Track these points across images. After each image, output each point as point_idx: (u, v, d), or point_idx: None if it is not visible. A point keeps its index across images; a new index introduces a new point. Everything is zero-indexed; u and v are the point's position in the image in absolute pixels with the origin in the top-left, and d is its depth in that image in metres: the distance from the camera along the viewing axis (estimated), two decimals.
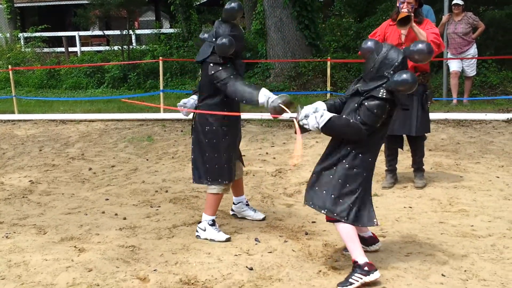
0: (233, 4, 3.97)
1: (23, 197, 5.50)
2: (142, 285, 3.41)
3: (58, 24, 22.03)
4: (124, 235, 4.28)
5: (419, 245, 3.92)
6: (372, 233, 3.79)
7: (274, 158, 6.71)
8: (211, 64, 3.94)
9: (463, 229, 4.21)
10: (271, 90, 3.86)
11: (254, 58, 13.03)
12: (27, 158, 7.26)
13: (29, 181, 6.09)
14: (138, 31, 19.57)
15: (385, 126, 3.41)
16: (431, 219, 4.46)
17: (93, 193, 5.56)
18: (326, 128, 3.29)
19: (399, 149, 5.45)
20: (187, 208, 4.96)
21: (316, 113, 3.34)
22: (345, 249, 3.76)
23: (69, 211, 4.99)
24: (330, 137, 3.51)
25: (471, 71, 9.50)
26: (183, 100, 4.26)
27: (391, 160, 5.45)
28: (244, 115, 4.13)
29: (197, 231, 4.20)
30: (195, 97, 4.26)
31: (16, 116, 10.57)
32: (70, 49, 18.70)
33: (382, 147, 3.69)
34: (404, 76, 3.18)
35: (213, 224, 4.15)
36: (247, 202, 4.63)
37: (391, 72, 3.28)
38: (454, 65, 9.41)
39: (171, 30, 17.30)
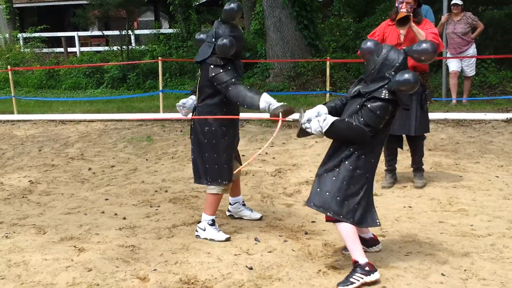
0: (232, 5, 3.97)
1: (23, 197, 5.50)
2: (142, 284, 3.41)
3: (57, 25, 22.02)
4: (124, 235, 4.28)
5: (419, 244, 3.92)
6: (373, 234, 3.80)
7: (274, 158, 6.71)
8: (212, 66, 3.94)
9: (462, 228, 4.22)
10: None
11: (253, 58, 13.03)
12: (26, 158, 7.26)
13: (29, 181, 6.09)
14: (137, 31, 19.55)
15: (388, 127, 3.41)
16: (430, 219, 4.47)
17: (93, 193, 5.57)
18: (329, 132, 3.30)
19: (399, 149, 5.45)
20: (187, 208, 4.96)
21: (319, 117, 3.34)
22: (344, 248, 3.77)
23: (69, 211, 4.99)
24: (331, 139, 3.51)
25: (471, 71, 9.51)
26: (182, 101, 4.26)
27: (391, 160, 5.46)
28: (244, 115, 4.14)
29: (196, 231, 4.20)
30: (193, 97, 4.26)
31: (16, 117, 10.57)
32: (69, 49, 18.69)
33: None
34: (406, 76, 3.19)
35: (212, 224, 4.15)
36: (243, 202, 4.63)
37: (392, 72, 3.29)
38: (454, 65, 9.41)
39: (170, 30, 17.29)
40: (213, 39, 3.99)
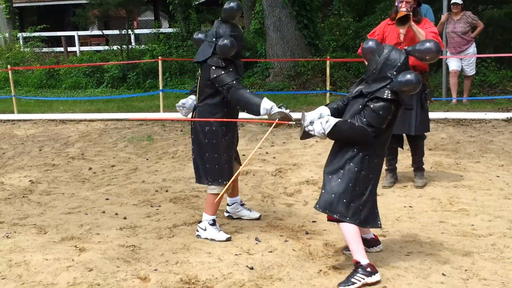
0: (232, 4, 3.96)
1: (23, 197, 5.50)
2: (142, 284, 3.41)
3: (57, 24, 22.01)
4: (125, 234, 4.28)
5: (420, 244, 3.92)
6: (374, 235, 3.80)
7: (274, 157, 6.71)
8: (213, 67, 3.94)
9: (463, 228, 4.22)
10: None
11: (253, 58, 13.03)
12: (27, 158, 7.26)
13: (29, 181, 6.09)
14: (137, 31, 19.54)
15: (390, 127, 3.40)
16: (431, 219, 4.47)
17: (93, 192, 5.57)
18: (332, 133, 3.29)
19: (399, 149, 5.45)
20: (188, 207, 4.96)
21: (321, 119, 3.34)
22: (345, 248, 3.77)
23: (70, 210, 4.99)
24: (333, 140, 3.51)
25: (471, 70, 9.51)
26: (182, 101, 4.26)
27: (391, 159, 5.46)
28: (244, 116, 4.17)
29: (197, 231, 4.20)
30: (193, 97, 4.26)
31: (16, 116, 10.57)
32: (69, 49, 18.69)
33: None
34: (408, 76, 3.18)
35: (213, 223, 4.15)
36: (241, 202, 4.63)
37: (394, 72, 3.28)
38: (454, 64, 9.41)
39: (170, 30, 17.29)
40: (214, 39, 3.99)
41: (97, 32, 20.86)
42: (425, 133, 5.38)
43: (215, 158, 4.06)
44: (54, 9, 23.49)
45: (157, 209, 4.94)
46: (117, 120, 9.73)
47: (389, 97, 3.25)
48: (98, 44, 20.49)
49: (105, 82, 14.31)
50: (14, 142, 8.37)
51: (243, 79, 11.90)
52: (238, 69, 4.02)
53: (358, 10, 16.42)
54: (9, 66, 12.44)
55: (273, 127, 3.80)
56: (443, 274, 3.41)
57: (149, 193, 5.46)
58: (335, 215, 3.35)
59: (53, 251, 3.94)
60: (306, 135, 3.45)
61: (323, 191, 3.42)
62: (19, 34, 19.39)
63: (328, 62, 10.18)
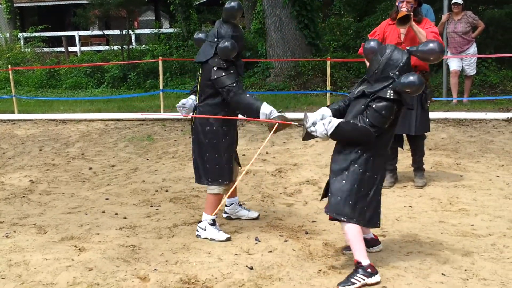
0: (232, 4, 3.96)
1: (23, 196, 5.50)
2: (142, 284, 3.41)
3: (58, 24, 22.03)
4: (124, 234, 4.28)
5: (419, 244, 3.92)
6: (374, 235, 3.80)
7: (274, 157, 6.71)
8: (215, 69, 3.94)
9: (463, 228, 4.21)
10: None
11: (254, 58, 13.03)
12: (27, 158, 7.26)
13: (29, 180, 6.09)
14: (137, 31, 19.56)
15: (393, 127, 3.40)
16: (431, 218, 4.47)
17: (93, 192, 5.57)
18: (335, 134, 3.29)
19: (399, 149, 5.45)
20: (187, 207, 4.96)
21: (324, 120, 3.34)
22: (345, 248, 3.77)
23: (69, 210, 4.99)
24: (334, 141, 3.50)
25: (471, 70, 9.50)
26: (182, 101, 4.26)
27: (391, 159, 5.45)
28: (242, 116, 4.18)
29: (197, 231, 4.20)
30: (193, 97, 4.25)
31: (16, 116, 10.57)
32: (70, 49, 18.69)
33: None
34: (411, 78, 3.17)
35: (213, 223, 4.15)
36: (239, 202, 4.63)
37: (397, 72, 3.28)
38: (454, 64, 9.40)
39: (171, 30, 17.29)
40: (215, 39, 3.99)
41: (97, 32, 20.88)
42: (425, 133, 5.38)
43: (216, 158, 4.06)
44: (55, 9, 23.52)
45: (157, 209, 4.94)
46: (117, 120, 9.73)
47: (391, 96, 3.24)
48: (99, 44, 20.51)
49: (105, 82, 14.31)
50: (14, 142, 8.37)
51: (244, 79, 11.91)
52: (238, 69, 4.03)
53: (359, 10, 16.42)
54: (9, 66, 12.44)
55: (274, 132, 3.78)
56: (442, 274, 3.41)
57: (149, 193, 5.46)
58: (342, 218, 3.35)
59: (52, 251, 3.94)
60: (308, 136, 3.45)
61: (329, 194, 3.42)
62: (20, 34, 19.41)
63: (328, 62, 10.17)
